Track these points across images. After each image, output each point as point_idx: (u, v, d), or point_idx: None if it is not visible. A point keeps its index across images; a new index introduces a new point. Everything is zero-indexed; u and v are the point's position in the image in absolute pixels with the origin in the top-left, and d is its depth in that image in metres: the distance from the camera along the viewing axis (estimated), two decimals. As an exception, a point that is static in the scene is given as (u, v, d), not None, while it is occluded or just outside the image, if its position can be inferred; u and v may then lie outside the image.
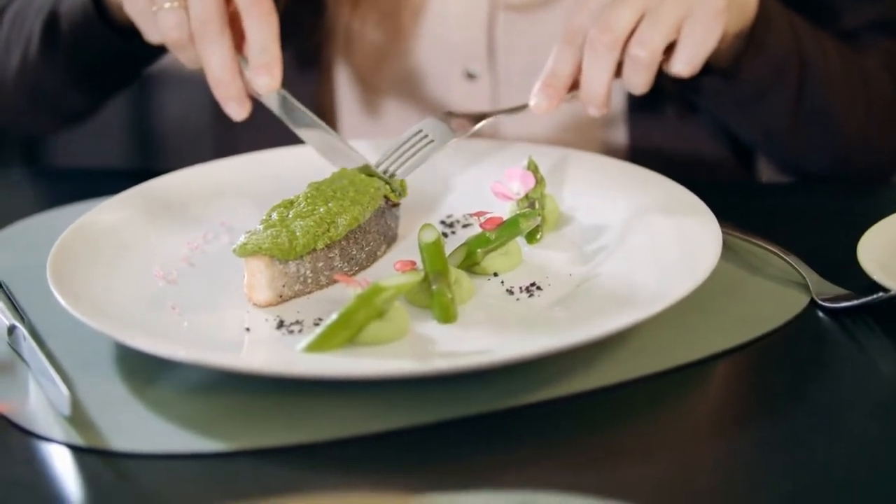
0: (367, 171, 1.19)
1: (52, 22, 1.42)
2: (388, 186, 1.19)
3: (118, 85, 1.54)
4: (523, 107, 1.24)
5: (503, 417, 0.95)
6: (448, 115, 1.25)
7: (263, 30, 1.23)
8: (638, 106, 1.49)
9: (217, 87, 1.24)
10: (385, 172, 1.21)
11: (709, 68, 1.26)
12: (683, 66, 1.21)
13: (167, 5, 1.24)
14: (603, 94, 1.20)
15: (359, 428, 0.94)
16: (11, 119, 1.58)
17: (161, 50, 1.34)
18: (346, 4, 1.50)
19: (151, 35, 1.29)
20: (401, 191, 1.20)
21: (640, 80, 1.21)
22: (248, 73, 1.24)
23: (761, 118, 1.42)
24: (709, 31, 1.20)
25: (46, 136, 1.67)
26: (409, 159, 1.23)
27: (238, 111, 1.25)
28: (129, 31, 1.34)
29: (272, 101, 1.26)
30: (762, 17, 1.32)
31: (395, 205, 1.20)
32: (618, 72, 1.21)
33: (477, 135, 1.25)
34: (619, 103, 1.50)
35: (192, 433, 0.94)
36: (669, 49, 1.21)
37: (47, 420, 0.96)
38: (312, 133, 1.25)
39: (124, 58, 1.44)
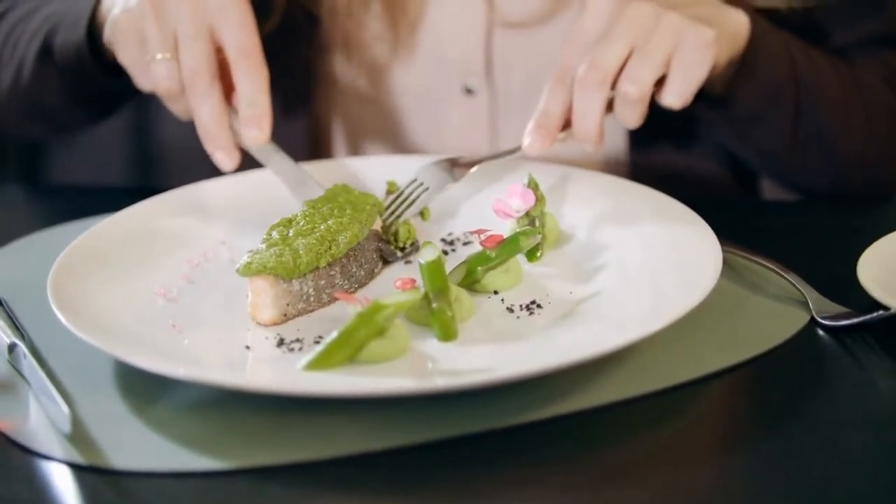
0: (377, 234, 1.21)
1: (45, 52, 1.43)
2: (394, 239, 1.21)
3: (116, 105, 1.55)
4: (517, 149, 1.25)
5: (503, 436, 0.95)
6: (443, 161, 1.27)
7: (253, 83, 1.24)
8: (638, 142, 1.49)
9: (206, 139, 1.25)
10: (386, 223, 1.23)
11: (702, 95, 1.26)
12: (674, 98, 1.22)
13: (159, 56, 1.25)
14: (595, 132, 1.21)
15: (359, 446, 0.94)
16: (7, 128, 1.58)
17: None
18: (342, 19, 1.51)
19: (143, 84, 1.30)
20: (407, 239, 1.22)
21: (631, 116, 1.21)
22: (238, 126, 1.25)
23: (758, 141, 1.42)
24: (698, 63, 1.20)
25: (48, 141, 1.66)
26: (406, 209, 1.25)
27: (227, 162, 1.26)
28: (121, 70, 1.35)
29: (261, 154, 1.27)
30: (754, 42, 1.33)
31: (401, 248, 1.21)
32: (609, 107, 1.22)
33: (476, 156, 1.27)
34: (620, 138, 1.50)
35: (192, 451, 0.94)
36: (660, 81, 1.21)
37: (47, 438, 0.96)
38: (301, 188, 1.26)
39: (118, 90, 1.45)
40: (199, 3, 1.24)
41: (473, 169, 1.26)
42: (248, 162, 1.37)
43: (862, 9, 1.46)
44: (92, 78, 1.40)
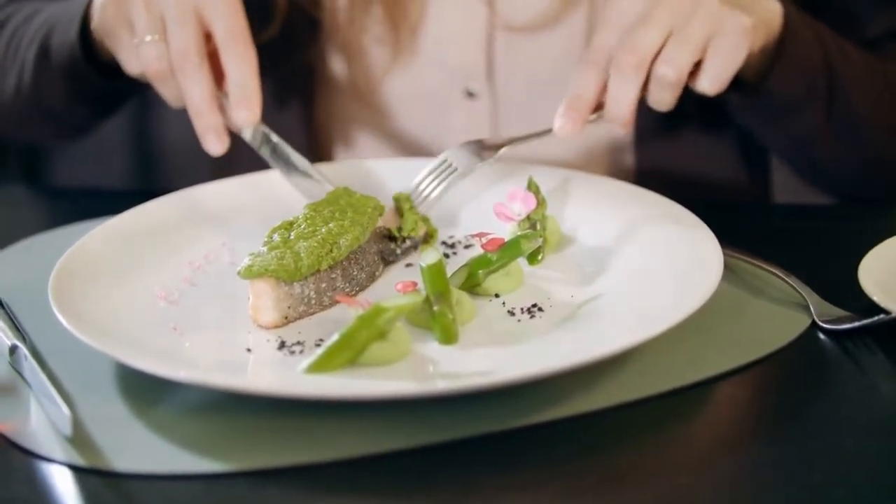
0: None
1: (43, 54, 1.43)
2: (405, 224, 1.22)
3: (117, 104, 1.55)
4: (548, 131, 1.24)
5: (504, 439, 0.95)
6: (472, 143, 1.26)
7: (242, 66, 1.25)
8: (649, 131, 1.49)
9: (197, 119, 1.25)
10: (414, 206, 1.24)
11: (736, 83, 1.26)
12: (710, 84, 1.21)
13: (148, 38, 1.25)
14: (629, 114, 1.20)
15: (360, 449, 0.94)
16: (15, 130, 1.59)
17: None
18: (343, 22, 1.51)
19: (132, 67, 1.31)
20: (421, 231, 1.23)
21: (666, 98, 1.21)
22: (228, 108, 1.25)
23: (792, 130, 1.41)
24: (735, 49, 1.20)
25: (54, 146, 1.66)
26: (434, 190, 1.25)
27: (216, 144, 1.26)
28: (116, 69, 1.35)
29: (252, 137, 1.27)
30: (789, 30, 1.32)
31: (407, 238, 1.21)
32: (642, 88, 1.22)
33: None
34: (625, 139, 1.50)
35: (194, 454, 0.94)
36: (695, 66, 1.21)
37: (49, 440, 0.96)
38: (292, 174, 1.27)
39: (116, 90, 1.45)
40: None
41: (502, 150, 1.25)
42: (249, 165, 1.37)
43: (884, 1, 1.46)
44: (86, 78, 1.40)
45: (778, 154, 1.53)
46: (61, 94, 1.45)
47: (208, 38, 1.26)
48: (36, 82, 1.45)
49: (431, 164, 1.26)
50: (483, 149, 1.26)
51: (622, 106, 1.20)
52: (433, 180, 1.25)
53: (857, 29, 1.45)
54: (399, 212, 1.23)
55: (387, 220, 1.21)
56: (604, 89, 1.21)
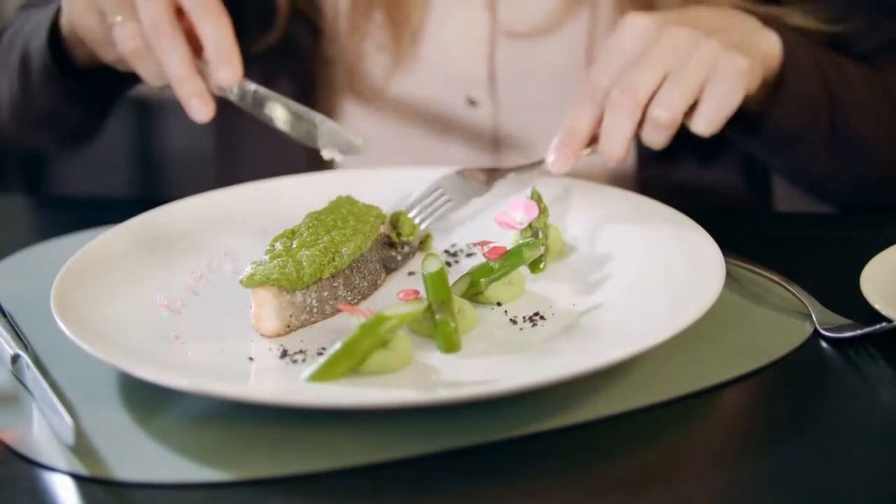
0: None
1: (24, 61, 1.45)
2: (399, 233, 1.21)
3: (108, 103, 1.55)
4: (540, 162, 1.24)
5: (506, 447, 0.95)
6: (466, 173, 1.27)
7: (216, 28, 1.25)
8: (646, 155, 1.49)
9: (179, 86, 1.26)
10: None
11: (736, 116, 1.26)
12: (705, 125, 1.22)
13: (119, 18, 1.26)
14: (622, 151, 1.21)
15: (362, 458, 0.94)
16: (19, 138, 1.59)
17: (125, 80, 1.35)
18: (344, 30, 1.51)
19: (107, 53, 1.32)
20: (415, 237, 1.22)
21: (660, 139, 1.21)
22: (210, 70, 1.26)
23: (793, 157, 1.42)
24: (732, 92, 1.21)
25: (60, 153, 1.67)
26: (424, 221, 1.25)
27: (202, 110, 1.26)
28: (87, 73, 1.35)
29: (237, 96, 1.27)
30: (788, 64, 1.33)
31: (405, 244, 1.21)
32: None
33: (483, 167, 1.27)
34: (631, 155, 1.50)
35: (196, 463, 0.94)
36: (691, 106, 1.21)
37: (51, 449, 0.96)
38: (280, 112, 1.26)
39: (97, 89, 1.46)
40: None
41: (497, 182, 1.26)
42: (251, 174, 1.37)
43: (880, 15, 1.46)
44: (60, 85, 1.41)
45: (779, 173, 1.54)
46: (47, 99, 1.46)
47: (180, 14, 1.26)
48: (22, 88, 1.46)
49: (425, 190, 1.26)
50: (477, 180, 1.26)
51: (616, 143, 1.20)
52: (425, 209, 1.25)
53: (853, 42, 1.45)
54: (393, 224, 1.22)
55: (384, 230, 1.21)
56: (598, 122, 1.21)
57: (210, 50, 1.25)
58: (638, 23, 1.22)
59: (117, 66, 1.34)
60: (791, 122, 1.36)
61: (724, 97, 1.20)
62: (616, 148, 1.20)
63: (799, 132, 1.37)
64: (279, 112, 1.26)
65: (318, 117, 1.23)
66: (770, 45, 1.32)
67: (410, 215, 1.24)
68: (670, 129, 1.20)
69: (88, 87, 1.44)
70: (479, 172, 1.27)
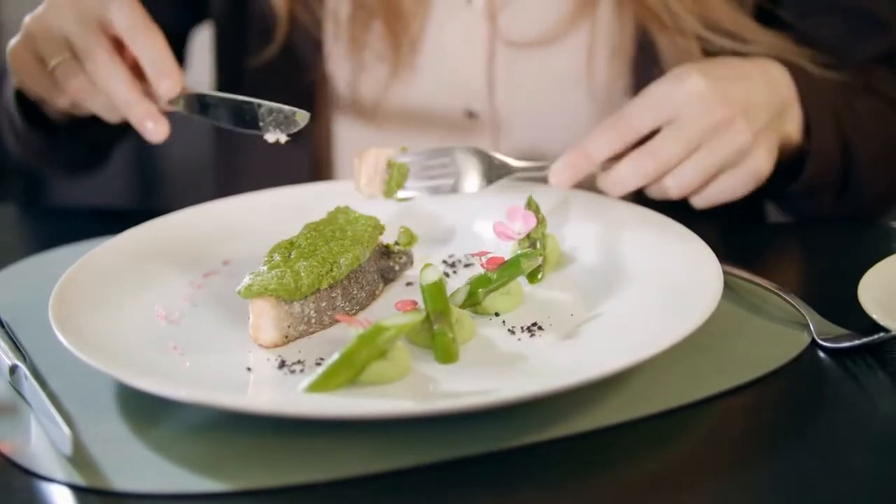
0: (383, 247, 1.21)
1: (10, 119, 1.46)
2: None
3: (104, 147, 1.56)
4: (545, 167, 1.25)
5: (504, 458, 0.95)
6: (482, 157, 1.26)
7: (151, 46, 1.25)
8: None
9: (129, 110, 1.26)
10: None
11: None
12: (702, 203, 1.26)
13: (59, 59, 1.27)
14: (618, 196, 1.23)
15: (359, 468, 0.94)
16: (37, 164, 1.60)
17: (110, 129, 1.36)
18: (343, 40, 1.51)
19: (58, 100, 1.32)
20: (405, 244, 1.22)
21: (658, 198, 1.25)
22: (152, 86, 1.26)
23: (803, 210, 1.44)
24: (741, 187, 1.25)
25: (82, 175, 1.67)
26: (424, 183, 1.25)
27: (156, 130, 1.26)
28: (69, 125, 1.36)
29: (183, 105, 1.27)
30: (811, 149, 1.34)
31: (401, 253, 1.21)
32: None
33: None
34: None
35: (194, 473, 0.94)
36: None
37: (49, 460, 0.95)
38: (223, 109, 1.26)
39: (81, 142, 1.47)
40: (79, 4, 1.27)
41: (504, 177, 1.26)
42: (250, 185, 1.38)
43: (865, 31, 1.46)
44: (43, 138, 1.42)
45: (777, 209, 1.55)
46: (40, 147, 1.47)
47: (121, 47, 1.26)
48: (15, 137, 1.47)
49: (440, 153, 1.26)
50: (490, 168, 1.26)
51: (617, 188, 1.23)
52: (422, 170, 1.25)
53: (849, 52, 1.45)
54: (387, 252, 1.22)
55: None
56: (614, 157, 1.23)
57: (146, 65, 1.26)
58: (699, 86, 1.22)
59: (74, 111, 1.35)
60: (802, 193, 1.38)
61: (732, 190, 1.25)
62: (615, 191, 1.23)
63: (809, 195, 1.39)
64: (221, 109, 1.26)
65: (255, 101, 1.23)
66: (792, 127, 1.33)
67: (406, 160, 1.24)
68: (673, 199, 1.24)
69: (73, 138, 1.44)
70: (493, 160, 1.26)
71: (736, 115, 1.22)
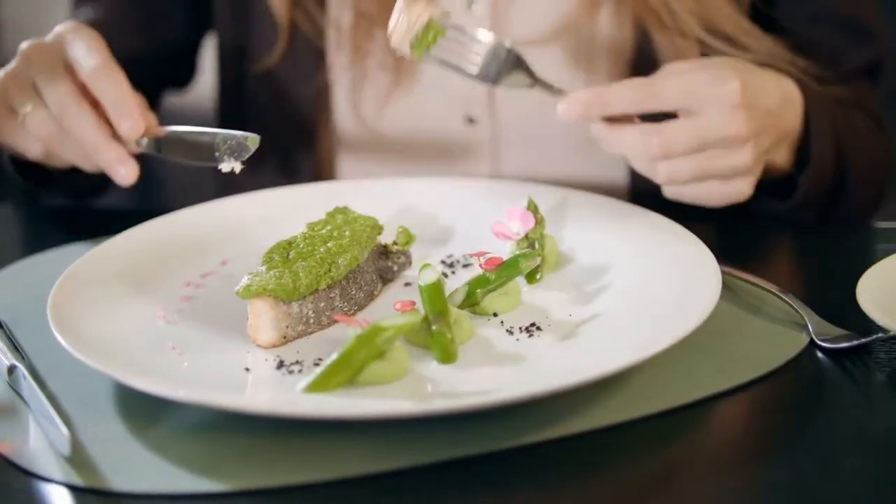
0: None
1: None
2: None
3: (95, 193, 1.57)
4: (559, 91, 1.23)
5: (503, 458, 0.95)
6: (513, 55, 1.25)
7: (113, 89, 1.25)
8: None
9: (97, 154, 1.26)
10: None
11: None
12: (672, 195, 1.26)
13: (28, 108, 1.26)
14: (613, 153, 1.23)
15: (358, 468, 0.94)
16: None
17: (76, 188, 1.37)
18: (345, 49, 1.51)
19: (31, 149, 1.32)
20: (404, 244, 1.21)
21: (642, 171, 1.24)
22: (116, 128, 1.25)
23: (783, 219, 1.43)
24: (715, 200, 1.25)
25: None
26: (445, 53, 1.23)
27: (126, 173, 1.26)
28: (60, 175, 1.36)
29: (149, 146, 1.27)
30: (806, 176, 1.34)
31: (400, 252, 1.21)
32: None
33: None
34: (620, 163, 1.50)
35: (192, 473, 0.94)
36: None
37: (47, 460, 0.95)
38: (183, 144, 1.25)
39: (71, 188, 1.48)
40: (45, 48, 1.27)
41: (525, 86, 1.25)
42: (249, 185, 1.38)
43: (847, 43, 1.46)
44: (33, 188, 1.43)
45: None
46: (32, 189, 1.47)
47: (88, 94, 1.26)
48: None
49: (477, 38, 1.23)
50: (516, 67, 1.24)
51: (615, 147, 1.23)
52: (448, 41, 1.23)
53: (836, 61, 1.45)
54: (385, 252, 1.22)
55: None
56: (625, 115, 1.22)
57: (108, 108, 1.25)
58: (734, 96, 1.21)
59: (50, 162, 1.34)
60: (796, 208, 1.38)
61: (707, 198, 1.25)
62: (610, 147, 1.23)
63: (802, 209, 1.39)
64: (184, 145, 1.25)
65: (211, 130, 1.22)
66: (782, 158, 1.33)
67: (447, 25, 1.22)
68: (656, 181, 1.24)
69: (61, 187, 1.45)
70: (524, 64, 1.25)
71: (749, 138, 1.21)
